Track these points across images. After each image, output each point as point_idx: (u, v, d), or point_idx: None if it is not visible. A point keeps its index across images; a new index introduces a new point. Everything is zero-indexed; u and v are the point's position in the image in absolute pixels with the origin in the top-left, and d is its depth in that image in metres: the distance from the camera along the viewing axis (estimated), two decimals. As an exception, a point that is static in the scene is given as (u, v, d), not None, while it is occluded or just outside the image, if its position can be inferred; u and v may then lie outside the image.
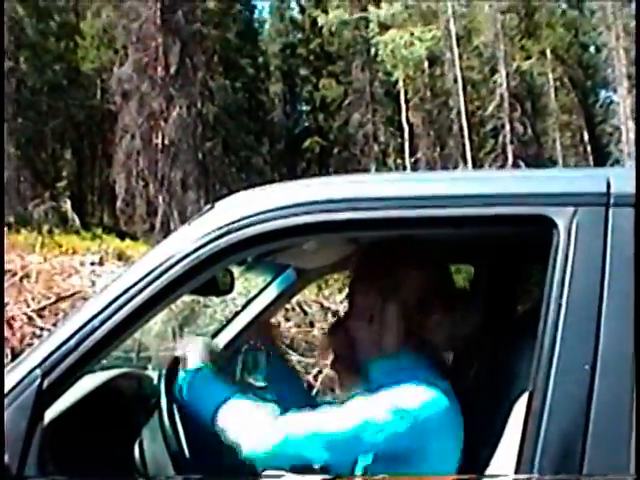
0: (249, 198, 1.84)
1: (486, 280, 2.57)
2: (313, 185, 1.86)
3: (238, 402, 1.99)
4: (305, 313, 9.27)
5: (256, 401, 2.01)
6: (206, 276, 1.80)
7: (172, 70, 29.64)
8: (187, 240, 1.78)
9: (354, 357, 2.14)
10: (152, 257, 1.81)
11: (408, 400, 1.88)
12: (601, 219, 1.72)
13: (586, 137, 36.69)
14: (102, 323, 1.75)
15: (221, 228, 1.76)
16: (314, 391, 7.88)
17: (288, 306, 8.99)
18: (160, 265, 1.76)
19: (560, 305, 1.66)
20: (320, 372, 8.04)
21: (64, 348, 1.74)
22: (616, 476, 1.62)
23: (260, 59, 38.32)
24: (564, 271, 1.68)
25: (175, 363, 2.17)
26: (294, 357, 8.32)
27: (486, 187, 1.81)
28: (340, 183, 1.89)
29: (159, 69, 29.67)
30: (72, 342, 1.74)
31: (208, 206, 1.91)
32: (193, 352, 2.18)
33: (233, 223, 1.76)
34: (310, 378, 8.07)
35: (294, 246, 2.25)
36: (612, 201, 1.73)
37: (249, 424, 1.95)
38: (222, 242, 1.75)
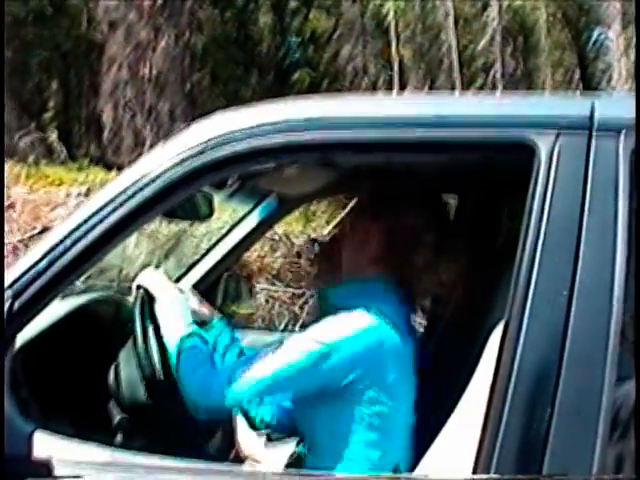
0: (226, 118, 1.80)
1: (469, 209, 2.55)
2: (292, 104, 1.82)
3: (190, 345, 2.01)
4: (292, 244, 9.24)
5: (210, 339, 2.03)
6: (180, 196, 1.77)
7: (159, 0, 29.17)
8: (161, 159, 1.74)
9: (332, 276, 2.14)
10: (125, 177, 1.77)
11: (329, 335, 1.91)
12: (584, 144, 1.68)
13: (578, 75, 36.42)
14: (74, 243, 1.71)
15: (195, 147, 1.72)
16: (300, 322, 7.91)
17: (275, 237, 8.98)
18: (133, 184, 1.73)
19: (538, 231, 1.64)
20: (306, 303, 8.06)
21: (35, 269, 1.71)
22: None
23: (250, -11, 37.72)
24: (544, 196, 1.65)
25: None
26: (280, 288, 8.34)
27: (466, 109, 1.77)
28: (316, 103, 1.85)
29: (146, -2, 29.21)
30: (43, 263, 1.71)
31: (183, 126, 1.87)
32: (159, 279, 2.19)
33: (208, 142, 1.72)
34: (296, 309, 8.09)
35: (273, 171, 2.22)
36: (596, 127, 1.69)
37: (191, 369, 1.98)
38: (196, 161, 1.71)
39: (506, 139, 1.71)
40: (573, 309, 1.61)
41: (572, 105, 1.79)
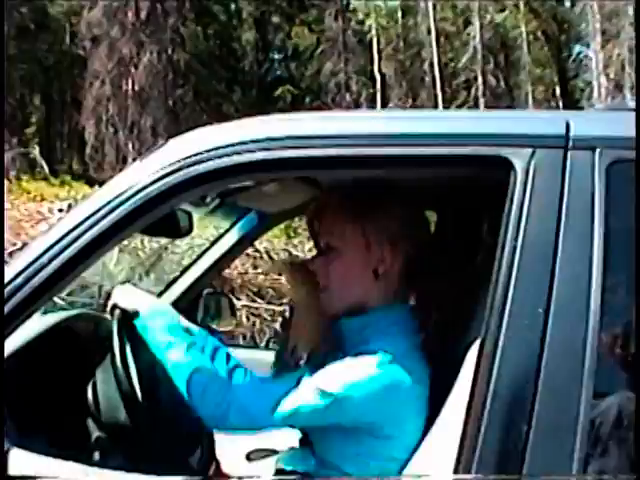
0: (203, 135, 1.80)
1: (447, 224, 2.55)
2: (268, 122, 1.82)
3: (193, 356, 1.98)
4: (273, 261, 9.25)
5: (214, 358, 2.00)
6: (158, 213, 1.75)
7: (143, 15, 29.22)
8: (139, 176, 1.73)
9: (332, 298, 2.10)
10: (103, 193, 1.76)
11: (344, 376, 1.88)
12: (559, 161, 1.69)
13: (558, 91, 36.66)
14: (50, 260, 1.70)
15: (173, 164, 1.71)
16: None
17: (256, 254, 8.99)
18: (110, 202, 1.71)
19: (515, 247, 1.65)
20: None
21: (12, 285, 1.70)
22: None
23: (232, 6, 37.77)
24: (520, 213, 1.66)
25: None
26: (261, 305, 8.33)
27: (443, 126, 1.77)
28: (295, 120, 1.85)
29: (129, 14, 29.23)
30: (19, 280, 1.69)
31: (161, 143, 1.87)
32: (138, 296, 2.17)
33: (185, 159, 1.71)
34: (277, 326, 8.08)
35: (253, 188, 2.22)
36: (571, 144, 1.71)
37: (202, 387, 1.94)
38: (173, 178, 1.70)
39: (482, 156, 1.71)
40: (549, 326, 1.62)
41: (547, 122, 1.80)
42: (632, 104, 1.92)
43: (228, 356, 2.00)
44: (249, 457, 2.52)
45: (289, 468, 2.14)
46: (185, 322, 2.18)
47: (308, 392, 1.88)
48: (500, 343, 1.62)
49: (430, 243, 2.10)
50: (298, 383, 1.90)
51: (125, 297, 2.18)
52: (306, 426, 2.00)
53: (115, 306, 2.16)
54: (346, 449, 1.94)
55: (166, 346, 2.00)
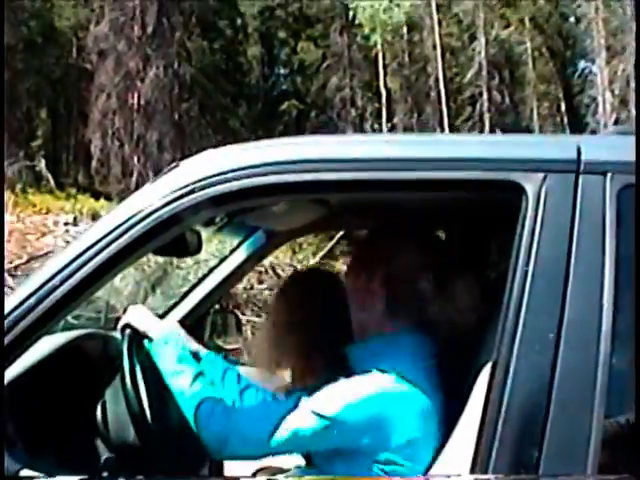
0: (214, 157, 1.81)
1: (457, 247, 2.55)
2: (279, 145, 1.83)
3: (200, 386, 2.00)
4: (278, 276, 9.24)
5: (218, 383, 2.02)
6: (169, 235, 1.77)
7: (149, 30, 29.29)
8: (150, 199, 1.74)
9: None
10: (114, 216, 1.77)
11: (343, 400, 1.88)
12: (571, 186, 1.70)
13: (563, 107, 36.69)
14: (62, 282, 1.71)
15: (185, 187, 1.72)
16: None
17: (261, 269, 8.99)
18: (122, 224, 1.72)
19: (526, 272, 1.65)
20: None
21: (24, 306, 1.70)
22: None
23: (238, 21, 37.87)
24: (532, 238, 1.67)
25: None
26: (266, 321, 8.32)
27: (455, 151, 1.78)
28: (306, 144, 1.86)
29: (136, 28, 29.31)
30: (32, 300, 1.70)
31: (173, 164, 1.88)
32: (150, 320, 2.18)
33: (197, 182, 1.72)
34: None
35: (262, 207, 2.22)
36: (582, 168, 1.71)
37: (205, 417, 1.95)
38: (185, 201, 1.71)
39: (494, 181, 1.72)
40: (561, 350, 1.62)
41: (559, 146, 1.80)
42: (643, 128, 1.92)
43: (239, 377, 2.00)
44: (255, 476, 2.51)
45: None
46: (195, 345, 2.19)
47: (306, 416, 1.88)
48: (511, 368, 1.62)
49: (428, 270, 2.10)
50: (296, 407, 1.90)
51: (138, 318, 2.18)
52: (306, 450, 2.00)
53: (127, 325, 2.17)
54: (349, 472, 1.93)
55: (174, 374, 2.02)
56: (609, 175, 1.70)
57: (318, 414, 1.86)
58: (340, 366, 2.05)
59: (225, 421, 1.93)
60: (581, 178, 1.70)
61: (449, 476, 1.78)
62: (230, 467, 2.42)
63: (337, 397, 1.88)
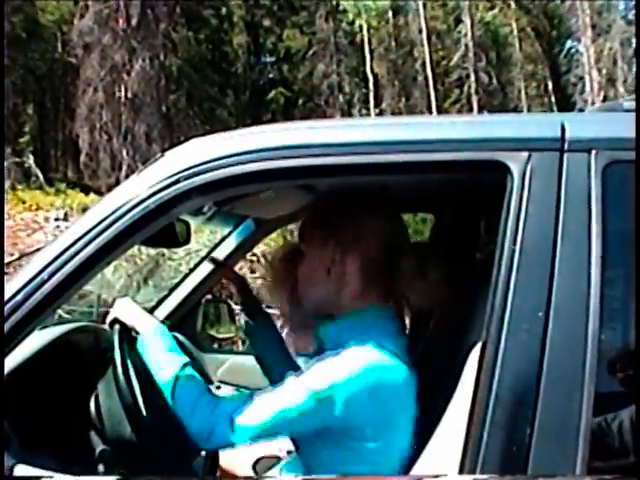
0: (199, 146, 1.80)
1: (445, 228, 2.56)
2: (263, 132, 1.82)
3: (187, 380, 2.00)
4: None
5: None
6: (156, 226, 1.76)
7: (134, 22, 29.16)
8: (136, 189, 1.74)
9: (306, 313, 2.14)
10: (101, 208, 1.76)
11: (327, 377, 1.89)
12: (555, 164, 1.70)
13: (551, 87, 36.71)
14: (51, 276, 1.71)
15: (171, 177, 1.71)
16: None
17: (253, 258, 8.98)
18: (109, 215, 1.72)
19: (513, 251, 1.65)
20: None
21: (12, 302, 1.70)
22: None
23: (223, 10, 37.73)
24: (518, 217, 1.66)
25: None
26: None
27: (439, 132, 1.78)
28: (291, 129, 1.85)
29: (120, 21, 29.18)
30: (19, 297, 1.70)
31: (158, 155, 1.88)
32: (137, 314, 2.18)
33: (183, 171, 1.71)
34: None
35: (250, 195, 2.22)
36: (566, 146, 1.71)
37: (190, 407, 1.96)
38: (171, 191, 1.71)
39: (479, 161, 1.72)
40: (550, 328, 1.62)
41: (543, 125, 1.80)
42: (626, 104, 1.92)
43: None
44: (255, 467, 2.51)
45: (293, 475, 2.16)
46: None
47: (294, 394, 1.89)
48: (501, 347, 1.62)
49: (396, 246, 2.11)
50: (283, 388, 1.92)
51: (125, 312, 2.18)
52: (295, 432, 2.00)
53: (115, 320, 2.16)
54: (331, 455, 1.95)
55: (161, 366, 2.03)
56: (594, 152, 1.70)
57: (307, 391, 1.88)
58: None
59: (211, 410, 1.94)
60: (566, 156, 1.70)
61: (437, 476, 1.79)
62: (226, 455, 2.42)
63: (326, 375, 1.89)
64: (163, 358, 2.04)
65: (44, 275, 1.71)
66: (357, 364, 1.88)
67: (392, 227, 2.10)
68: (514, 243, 1.66)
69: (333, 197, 2.07)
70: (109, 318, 2.19)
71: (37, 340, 2.32)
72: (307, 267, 2.12)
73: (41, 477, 1.70)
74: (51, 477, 1.67)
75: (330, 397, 1.86)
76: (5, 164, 25.19)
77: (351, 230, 2.04)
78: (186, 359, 2.05)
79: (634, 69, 29.57)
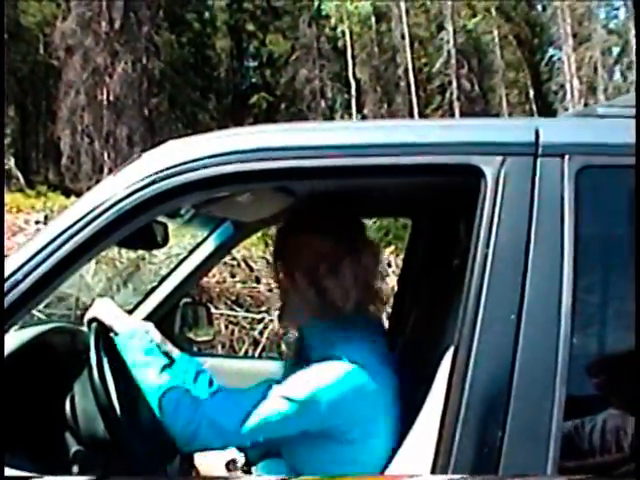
0: (176, 147, 1.80)
1: (422, 232, 2.57)
2: (240, 134, 1.83)
3: (167, 378, 2.00)
4: (251, 269, 9.22)
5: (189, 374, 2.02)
6: (133, 226, 1.76)
7: (116, 25, 29.13)
8: (113, 190, 1.74)
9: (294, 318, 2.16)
10: (77, 208, 1.76)
11: (308, 384, 1.91)
12: (529, 169, 1.71)
13: (532, 94, 36.87)
14: (26, 276, 1.70)
15: (147, 177, 1.72)
16: (260, 347, 7.89)
17: (234, 262, 8.97)
18: (85, 215, 1.72)
19: (486, 255, 1.66)
20: (265, 328, 8.05)
21: (-13, 301, 1.70)
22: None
23: (206, 14, 37.74)
24: (491, 220, 1.68)
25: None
26: (240, 313, 8.32)
27: (414, 136, 1.79)
28: (267, 132, 1.86)
29: (103, 24, 29.14)
30: (-7, 296, 1.70)
31: (135, 155, 1.88)
32: (117, 314, 2.18)
33: (159, 172, 1.72)
34: (256, 334, 8.07)
35: (228, 198, 2.22)
36: (540, 151, 1.73)
37: (172, 409, 1.96)
38: (148, 191, 1.71)
39: (453, 164, 1.73)
40: (522, 331, 1.64)
41: (517, 129, 1.82)
42: (600, 110, 1.93)
43: (211, 381, 2.01)
44: (228, 467, 2.51)
45: (265, 476, 2.16)
46: (168, 346, 2.19)
47: (276, 401, 1.91)
48: (473, 349, 1.64)
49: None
50: (266, 393, 1.93)
51: (104, 312, 2.17)
52: (276, 436, 2.01)
53: (93, 319, 2.16)
54: (313, 457, 1.97)
55: (141, 366, 2.02)
56: (567, 157, 1.71)
57: (288, 398, 1.89)
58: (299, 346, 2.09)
59: (193, 412, 1.94)
60: (539, 160, 1.72)
61: (413, 476, 1.80)
62: (200, 455, 2.42)
63: (306, 382, 1.91)
64: (142, 360, 2.03)
65: (19, 275, 1.71)
66: (339, 370, 1.90)
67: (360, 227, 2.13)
68: (487, 246, 1.67)
69: (311, 202, 2.08)
70: (87, 316, 2.19)
71: (12, 341, 2.31)
72: (293, 279, 2.11)
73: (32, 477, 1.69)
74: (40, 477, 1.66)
75: (312, 402, 1.88)
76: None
77: (334, 234, 2.06)
78: (165, 360, 2.05)
79: (614, 77, 29.78)
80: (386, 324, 2.56)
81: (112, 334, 2.12)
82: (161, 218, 2.43)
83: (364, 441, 1.94)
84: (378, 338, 2.09)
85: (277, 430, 1.95)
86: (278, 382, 1.97)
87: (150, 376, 2.00)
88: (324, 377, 1.90)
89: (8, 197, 19.57)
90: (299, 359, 2.08)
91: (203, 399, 1.97)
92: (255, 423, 1.90)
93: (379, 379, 1.94)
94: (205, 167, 1.71)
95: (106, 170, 27.23)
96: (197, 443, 1.98)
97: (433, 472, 1.64)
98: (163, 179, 1.71)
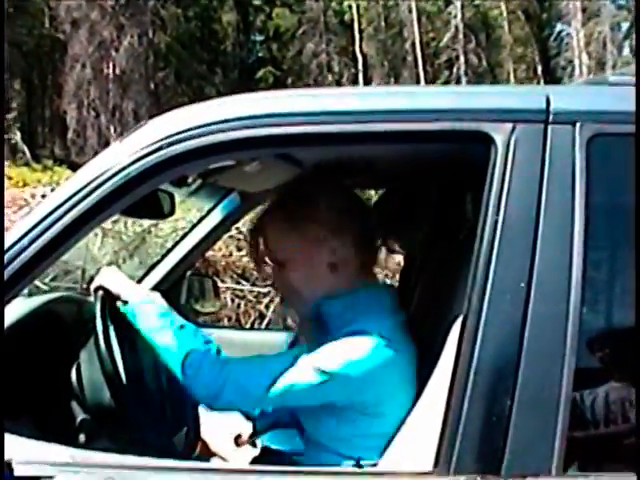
0: (181, 115, 1.79)
1: (429, 200, 2.55)
2: (244, 100, 1.81)
3: (186, 338, 1.99)
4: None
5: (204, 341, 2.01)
6: (138, 193, 1.74)
7: (122, -2, 29.02)
8: (117, 157, 1.72)
9: (300, 298, 2.12)
10: (82, 175, 1.74)
11: (335, 359, 1.89)
12: (540, 136, 1.69)
13: (540, 70, 36.71)
14: (31, 242, 1.69)
15: (152, 144, 1.70)
16: (266, 320, 7.89)
17: (240, 236, 8.95)
18: (90, 183, 1.70)
19: (496, 222, 1.65)
20: (272, 301, 8.04)
21: (-8, 269, 1.69)
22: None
23: (213, -13, 37.56)
24: (501, 188, 1.66)
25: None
26: (246, 287, 8.30)
27: (424, 102, 1.77)
28: (273, 98, 1.84)
29: (109, -4, 29.02)
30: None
31: (142, 123, 1.86)
32: (126, 282, 2.16)
33: (164, 139, 1.70)
34: (262, 308, 8.07)
35: (234, 167, 2.21)
36: (551, 118, 1.70)
37: (197, 365, 1.95)
38: (153, 158, 1.69)
39: (463, 131, 1.71)
40: (531, 300, 1.62)
41: (528, 97, 1.79)
42: (612, 78, 1.91)
43: (218, 351, 2.00)
44: (237, 441, 2.51)
45: (275, 447, 2.15)
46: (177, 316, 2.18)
47: (305, 370, 1.89)
48: (482, 318, 1.63)
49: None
50: (294, 361, 1.91)
51: (111, 280, 2.16)
52: (300, 405, 2.01)
53: (100, 287, 2.15)
54: (338, 430, 1.96)
55: (157, 330, 2.01)
56: (578, 124, 1.69)
57: (319, 369, 1.88)
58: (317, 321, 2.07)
59: (218, 371, 1.93)
60: (550, 128, 1.70)
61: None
62: (207, 426, 2.43)
63: (337, 355, 1.89)
64: (159, 323, 2.01)
65: (24, 242, 1.70)
66: (368, 344, 1.89)
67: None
68: (497, 214, 1.65)
69: (289, 198, 2.09)
70: (94, 285, 2.18)
71: (19, 309, 2.31)
72: (299, 272, 2.08)
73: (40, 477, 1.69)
74: (51, 477, 1.66)
75: (343, 376, 1.87)
76: (-8, 140, 25.05)
77: (339, 206, 2.04)
78: (182, 320, 2.03)
79: (623, 53, 29.63)
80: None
81: (118, 302, 2.11)
82: (168, 187, 2.42)
83: (391, 414, 1.94)
84: (398, 308, 2.08)
85: (302, 399, 1.94)
86: (307, 352, 1.95)
87: (169, 338, 1.98)
88: (354, 351, 1.88)
89: (14, 171, 19.59)
90: (318, 334, 2.05)
91: (228, 359, 1.97)
92: (281, 389, 1.89)
93: (404, 350, 1.95)
94: (211, 133, 1.70)
95: (112, 144, 27.17)
96: (220, 402, 1.97)
97: (441, 440, 1.63)
98: (169, 145, 1.70)
